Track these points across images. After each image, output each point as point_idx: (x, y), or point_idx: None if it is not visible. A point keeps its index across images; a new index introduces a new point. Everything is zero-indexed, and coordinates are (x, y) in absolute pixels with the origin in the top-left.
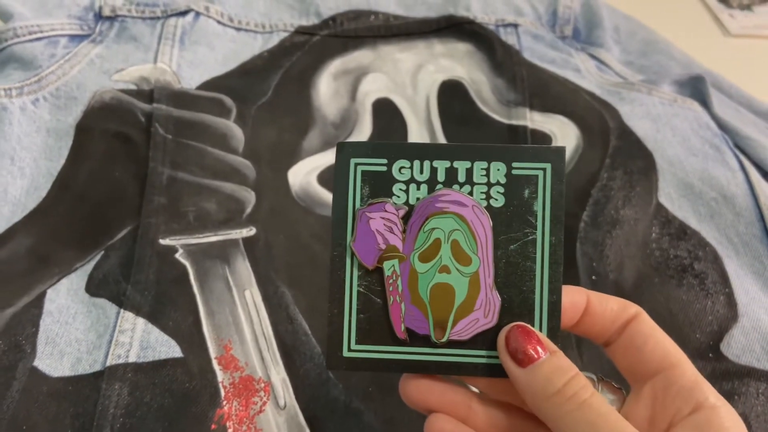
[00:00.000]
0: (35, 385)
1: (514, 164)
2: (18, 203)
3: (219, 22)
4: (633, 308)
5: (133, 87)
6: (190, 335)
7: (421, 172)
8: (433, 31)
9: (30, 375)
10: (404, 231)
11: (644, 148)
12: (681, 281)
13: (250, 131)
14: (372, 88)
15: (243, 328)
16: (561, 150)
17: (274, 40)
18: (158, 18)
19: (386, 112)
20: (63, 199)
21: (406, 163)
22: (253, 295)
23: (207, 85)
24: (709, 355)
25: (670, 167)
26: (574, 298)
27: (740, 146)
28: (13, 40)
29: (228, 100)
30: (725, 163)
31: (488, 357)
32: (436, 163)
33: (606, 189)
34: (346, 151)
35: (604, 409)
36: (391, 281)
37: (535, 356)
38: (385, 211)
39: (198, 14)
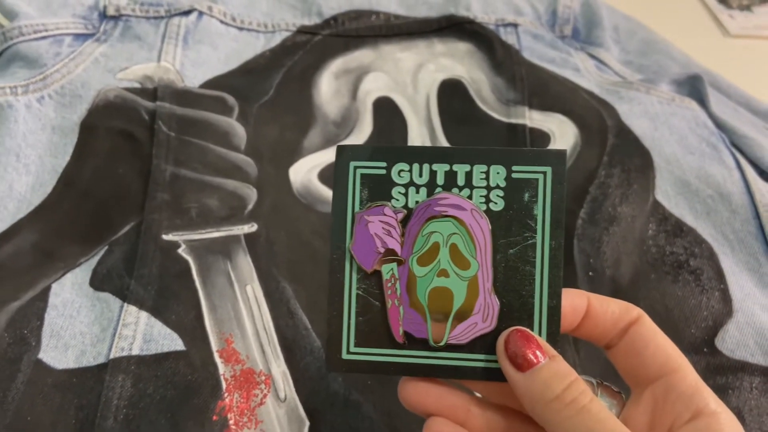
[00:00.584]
0: (40, 377)
1: (514, 167)
2: (23, 199)
3: (222, 21)
4: (635, 311)
5: (137, 85)
6: (192, 329)
7: (420, 175)
8: (434, 30)
9: (35, 367)
10: (403, 234)
11: (642, 146)
12: (677, 277)
13: (252, 129)
14: (373, 87)
15: (244, 322)
16: (562, 153)
17: (276, 40)
18: (162, 17)
19: (387, 111)
20: (68, 196)
21: (405, 166)
22: (254, 289)
23: (210, 84)
24: (703, 350)
25: (668, 165)
26: (574, 301)
27: (737, 145)
28: (19, 39)
29: (230, 99)
30: (722, 161)
31: (487, 361)
32: (435, 167)
33: (603, 186)
34: (346, 154)
35: (603, 415)
36: (389, 284)
37: (535, 361)
38: (384, 214)
39: (201, 14)
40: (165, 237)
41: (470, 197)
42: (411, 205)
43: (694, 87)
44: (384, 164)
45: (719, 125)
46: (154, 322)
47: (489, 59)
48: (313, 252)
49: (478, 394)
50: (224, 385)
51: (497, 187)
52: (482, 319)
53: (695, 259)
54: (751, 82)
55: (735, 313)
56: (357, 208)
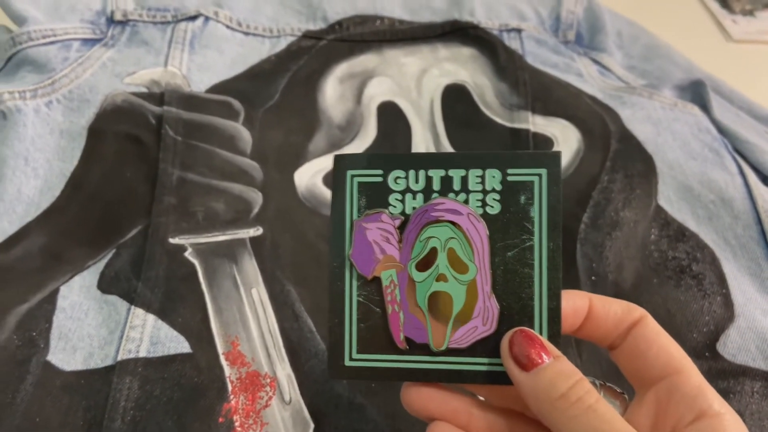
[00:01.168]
0: (48, 379)
1: (510, 171)
2: (32, 203)
3: (228, 26)
4: (637, 312)
5: (144, 90)
6: (198, 331)
7: (417, 181)
8: (438, 35)
9: (43, 369)
10: (401, 241)
11: (644, 151)
12: (679, 282)
13: (258, 133)
14: (377, 92)
15: (250, 324)
16: (556, 155)
17: (282, 45)
18: (169, 23)
19: (391, 116)
20: (75, 199)
21: (401, 173)
22: (259, 293)
23: (216, 89)
24: (705, 354)
25: (670, 170)
26: (575, 302)
27: (739, 150)
28: (27, 44)
29: (236, 103)
30: (724, 166)
31: (488, 364)
32: (431, 172)
33: (606, 191)
34: (343, 163)
35: (609, 415)
36: (389, 291)
37: (539, 360)
38: (381, 221)
39: (207, 19)
40: (172, 240)
41: (467, 202)
42: (408, 211)
43: (696, 92)
44: (381, 172)
45: (722, 130)
46: (161, 324)
47: (492, 64)
48: (317, 255)
49: (480, 398)
50: (230, 388)
51: (493, 190)
52: (482, 323)
53: (697, 264)
54: (754, 87)
55: (737, 317)
56: (355, 216)
